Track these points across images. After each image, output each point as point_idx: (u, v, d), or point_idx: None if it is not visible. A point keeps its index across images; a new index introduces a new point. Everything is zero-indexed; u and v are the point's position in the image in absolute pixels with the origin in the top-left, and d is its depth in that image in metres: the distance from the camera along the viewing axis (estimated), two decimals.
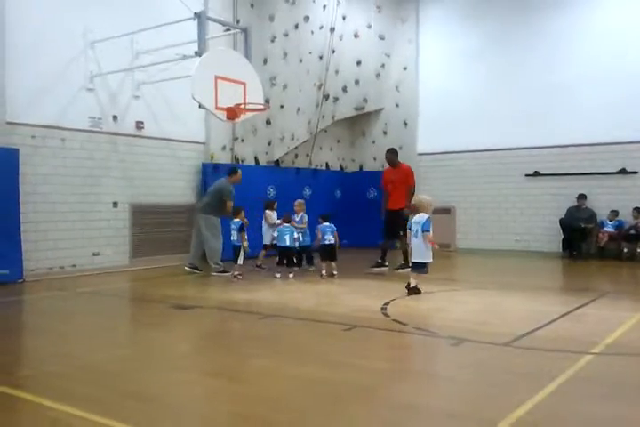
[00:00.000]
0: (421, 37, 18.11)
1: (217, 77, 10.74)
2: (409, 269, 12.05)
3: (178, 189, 13.87)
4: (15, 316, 8.42)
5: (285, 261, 11.51)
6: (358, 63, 18.07)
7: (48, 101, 11.39)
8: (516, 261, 14.69)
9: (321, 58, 17.03)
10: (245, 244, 11.09)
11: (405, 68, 18.25)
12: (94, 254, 12.23)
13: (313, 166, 17.49)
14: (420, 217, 9.35)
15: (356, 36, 18.04)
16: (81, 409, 4.31)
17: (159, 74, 12.38)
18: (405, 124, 18.22)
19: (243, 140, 15.38)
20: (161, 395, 4.77)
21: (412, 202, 9.92)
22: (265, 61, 15.43)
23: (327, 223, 11.43)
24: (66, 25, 11.57)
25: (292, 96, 16.29)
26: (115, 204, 12.57)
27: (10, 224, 10.54)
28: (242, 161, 15.20)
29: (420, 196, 9.98)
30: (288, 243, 11.38)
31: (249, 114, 11.52)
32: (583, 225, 14.79)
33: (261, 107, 11.74)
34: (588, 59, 15.24)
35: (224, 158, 14.80)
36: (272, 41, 15.70)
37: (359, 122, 18.92)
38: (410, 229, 9.54)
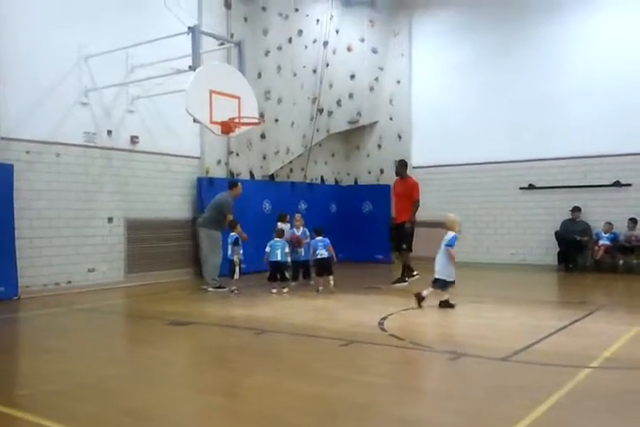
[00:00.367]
0: (414, 51, 18.21)
1: (211, 91, 10.75)
2: (405, 283, 12.12)
3: (173, 203, 13.83)
4: (11, 334, 8.35)
5: (279, 276, 11.48)
6: (352, 77, 18.14)
7: (42, 116, 11.37)
8: (512, 275, 14.68)
9: (315, 71, 17.09)
10: (236, 258, 11.07)
11: (399, 82, 18.31)
12: (89, 271, 12.16)
13: (308, 180, 17.49)
14: (448, 235, 9.45)
15: (349, 49, 18.11)
16: None
17: (153, 88, 12.35)
18: (399, 137, 18.25)
19: (238, 155, 15.37)
20: (159, 413, 4.74)
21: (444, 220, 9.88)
22: (259, 75, 15.46)
23: (320, 237, 11.42)
24: (60, 40, 11.56)
25: (287, 110, 16.32)
26: (110, 219, 12.52)
27: (4, 240, 10.48)
28: (237, 175, 15.17)
29: (449, 215, 9.96)
30: (279, 258, 11.35)
31: (244, 128, 11.52)
32: (578, 238, 14.80)
33: (256, 121, 11.75)
34: (582, 71, 15.33)
35: (219, 173, 14.79)
36: (266, 55, 15.74)
37: (353, 135, 18.94)
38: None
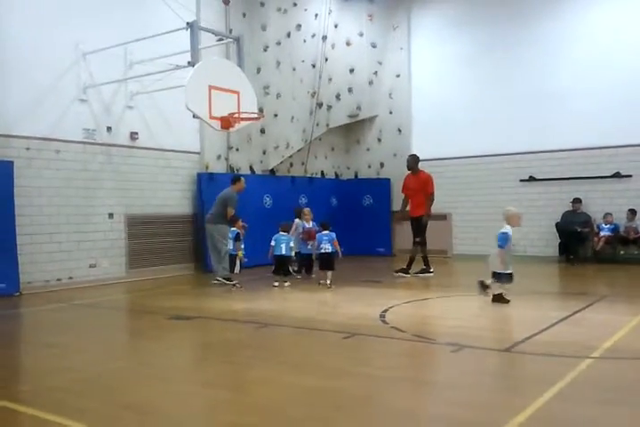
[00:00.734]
0: (413, 44, 18.17)
1: (210, 87, 10.76)
2: (430, 274, 12.22)
3: (173, 199, 13.84)
4: (13, 329, 8.37)
5: (283, 270, 11.48)
6: (351, 71, 18.11)
7: (42, 113, 11.38)
8: (514, 267, 14.64)
9: (314, 66, 17.07)
10: (240, 253, 11.07)
11: (398, 76, 18.29)
12: (91, 266, 12.18)
13: (308, 175, 17.49)
14: (502, 229, 9.07)
15: (348, 44, 18.09)
16: (81, 422, 4.29)
17: (152, 84, 12.35)
18: (399, 130, 18.25)
19: (237, 150, 15.38)
20: (160, 407, 4.74)
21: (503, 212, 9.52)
22: (258, 70, 15.45)
23: (326, 231, 11.42)
24: (58, 36, 11.56)
25: (286, 105, 16.31)
26: (110, 215, 12.53)
27: (5, 237, 10.49)
28: (237, 170, 15.17)
29: (507, 207, 9.65)
30: (284, 251, 11.35)
31: (243, 123, 11.51)
32: (579, 229, 14.80)
33: (255, 116, 11.75)
34: (581, 63, 15.31)
35: (219, 168, 14.80)
36: (265, 50, 15.72)
37: (353, 129, 18.94)
38: None
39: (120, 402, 4.84)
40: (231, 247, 11.15)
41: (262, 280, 11.88)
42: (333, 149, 18.75)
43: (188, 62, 10.69)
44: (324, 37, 17.23)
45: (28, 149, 11.21)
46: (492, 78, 16.59)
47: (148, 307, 9.72)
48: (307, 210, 12.78)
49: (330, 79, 17.52)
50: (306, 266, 12.46)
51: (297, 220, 12.69)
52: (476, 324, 7.80)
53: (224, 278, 11.46)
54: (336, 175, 18.89)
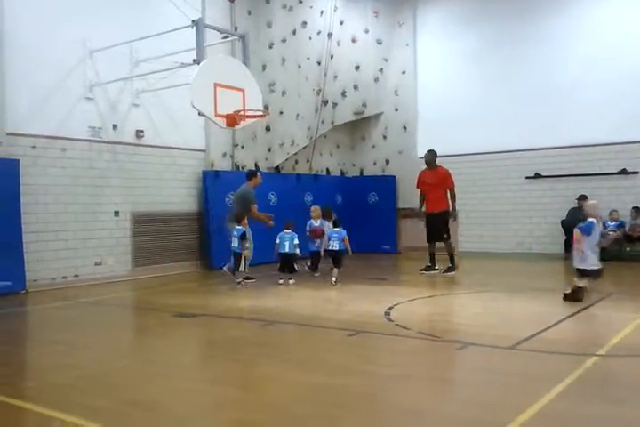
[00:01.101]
0: (419, 41, 18.13)
1: (216, 84, 10.74)
2: (454, 272, 12.13)
3: (179, 196, 13.86)
4: (19, 327, 8.40)
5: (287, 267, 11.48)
6: (357, 68, 18.09)
7: (48, 112, 11.39)
8: (519, 264, 14.67)
9: (319, 63, 17.05)
10: (246, 252, 11.06)
11: (404, 73, 18.26)
12: (97, 264, 12.20)
13: (313, 172, 17.47)
14: (586, 222, 8.76)
15: (353, 40, 18.07)
16: (86, 419, 4.31)
17: (158, 82, 12.37)
18: (405, 128, 18.22)
19: (243, 147, 15.38)
20: (165, 404, 4.76)
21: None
22: (264, 68, 15.45)
23: (337, 229, 11.41)
24: (64, 35, 11.57)
25: (292, 102, 16.30)
26: (116, 213, 12.55)
27: (12, 235, 10.52)
28: (242, 168, 15.17)
29: (587, 201, 9.53)
30: (287, 249, 11.34)
31: (248, 120, 11.50)
32: None
33: (261, 113, 11.75)
34: (587, 59, 15.25)
35: (224, 165, 14.81)
36: (270, 47, 15.72)
37: (359, 127, 18.92)
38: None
39: (126, 399, 4.86)
40: (236, 245, 11.12)
41: (267, 278, 11.87)
42: (339, 146, 18.74)
43: (194, 60, 10.69)
44: (330, 34, 17.19)
45: (34, 147, 11.22)
46: (498, 75, 16.56)
47: (153, 304, 9.74)
48: (313, 208, 12.74)
49: (335, 76, 17.49)
50: (312, 263, 12.43)
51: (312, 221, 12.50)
52: (481, 321, 7.78)
53: (245, 278, 11.31)
54: (341, 172, 18.88)
